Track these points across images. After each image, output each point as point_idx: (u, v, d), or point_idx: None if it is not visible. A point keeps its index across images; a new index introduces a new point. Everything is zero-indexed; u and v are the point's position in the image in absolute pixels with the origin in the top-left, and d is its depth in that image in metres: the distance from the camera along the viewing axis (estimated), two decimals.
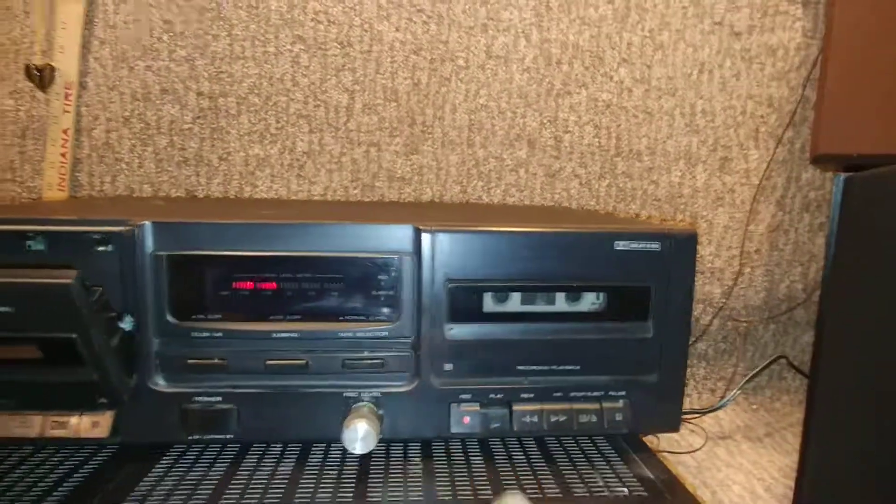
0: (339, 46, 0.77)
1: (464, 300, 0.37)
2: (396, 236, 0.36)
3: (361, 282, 0.36)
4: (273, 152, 0.79)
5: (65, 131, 0.77)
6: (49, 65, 0.74)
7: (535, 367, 0.38)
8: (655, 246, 0.37)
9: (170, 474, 0.36)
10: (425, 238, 0.36)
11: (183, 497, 0.34)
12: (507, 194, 0.81)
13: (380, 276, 0.36)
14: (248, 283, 0.36)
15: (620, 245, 0.37)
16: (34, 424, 0.35)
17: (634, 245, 0.37)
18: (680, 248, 0.38)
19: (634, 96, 0.79)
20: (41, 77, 0.74)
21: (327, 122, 0.79)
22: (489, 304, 0.38)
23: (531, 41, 0.78)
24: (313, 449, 0.40)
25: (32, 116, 0.77)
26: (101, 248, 0.37)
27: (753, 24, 0.78)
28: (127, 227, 0.35)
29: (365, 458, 0.38)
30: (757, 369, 0.78)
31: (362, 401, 0.37)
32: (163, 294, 0.36)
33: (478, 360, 0.38)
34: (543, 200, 0.81)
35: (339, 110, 0.79)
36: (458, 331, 0.38)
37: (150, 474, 0.36)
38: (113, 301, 0.37)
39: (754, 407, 0.83)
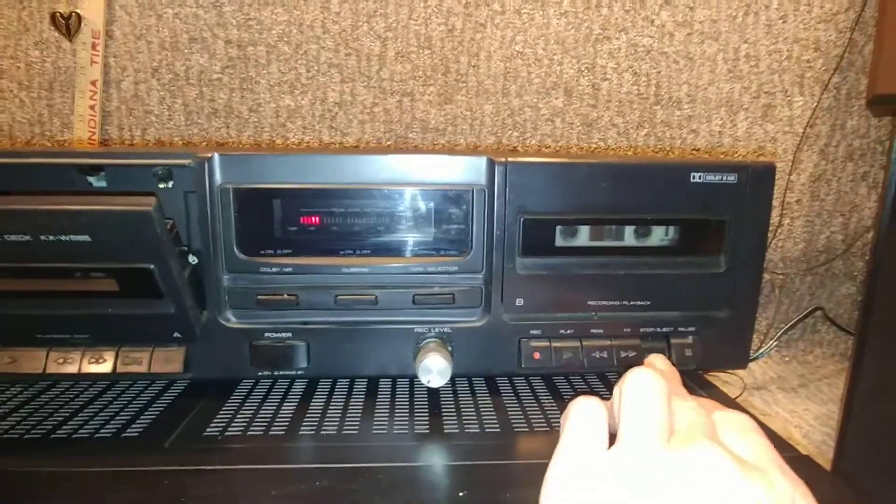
0: None
1: (536, 234, 0.37)
2: (469, 168, 0.35)
3: (432, 215, 0.36)
4: (304, 103, 0.78)
5: (93, 83, 0.75)
6: (75, 12, 0.72)
7: (605, 303, 0.38)
8: (732, 178, 0.36)
9: (243, 409, 0.36)
10: (499, 170, 0.35)
11: (261, 430, 0.34)
12: (543, 145, 0.79)
13: (451, 210, 0.35)
14: (317, 216, 0.35)
15: (696, 177, 0.36)
16: (109, 360, 0.35)
17: (710, 177, 0.36)
18: (758, 181, 0.37)
19: (676, 41, 0.76)
20: (67, 25, 0.72)
21: (359, 70, 0.77)
22: (561, 238, 0.38)
23: None
24: (381, 384, 0.40)
25: (59, 68, 0.76)
26: (162, 185, 0.37)
27: None
28: (195, 160, 0.34)
29: (433, 393, 0.38)
30: (793, 321, 0.77)
31: (432, 336, 0.37)
32: (230, 229, 0.35)
33: (549, 295, 0.38)
34: (580, 151, 0.79)
35: (371, 59, 0.77)
36: (530, 265, 0.37)
37: (223, 409, 0.36)
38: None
39: (787, 359, 0.82)
